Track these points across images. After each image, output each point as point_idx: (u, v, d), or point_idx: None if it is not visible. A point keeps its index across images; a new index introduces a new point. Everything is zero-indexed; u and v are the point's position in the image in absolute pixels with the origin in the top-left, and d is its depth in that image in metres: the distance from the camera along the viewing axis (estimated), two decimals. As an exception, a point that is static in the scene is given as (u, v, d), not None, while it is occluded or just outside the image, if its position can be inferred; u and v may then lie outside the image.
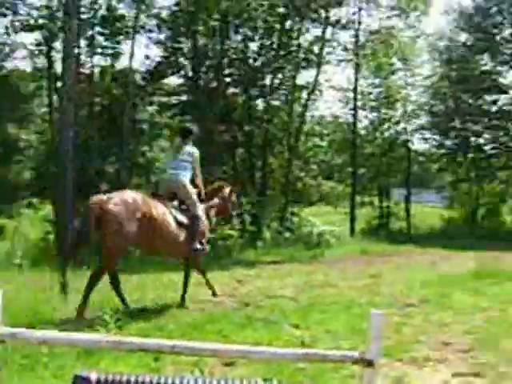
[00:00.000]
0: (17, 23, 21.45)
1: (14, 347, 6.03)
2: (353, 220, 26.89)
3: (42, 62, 22.35)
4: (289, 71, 23.42)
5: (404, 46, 28.21)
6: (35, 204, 26.80)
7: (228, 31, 22.51)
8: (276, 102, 24.23)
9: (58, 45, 21.22)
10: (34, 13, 21.45)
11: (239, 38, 23.13)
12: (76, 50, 20.01)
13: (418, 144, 33.92)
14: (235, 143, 23.22)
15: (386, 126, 30.40)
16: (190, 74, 23.14)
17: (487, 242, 22.54)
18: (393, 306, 9.86)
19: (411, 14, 27.38)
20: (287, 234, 21.05)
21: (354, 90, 27.88)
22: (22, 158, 27.06)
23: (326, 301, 10.36)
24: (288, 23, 23.10)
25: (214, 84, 22.51)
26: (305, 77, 27.75)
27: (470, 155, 31.74)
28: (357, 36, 25.64)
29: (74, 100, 18.07)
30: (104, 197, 9.13)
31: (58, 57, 20.90)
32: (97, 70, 23.14)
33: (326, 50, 24.22)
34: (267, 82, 23.47)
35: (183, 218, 9.80)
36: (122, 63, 23.00)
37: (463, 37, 31.96)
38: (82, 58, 21.95)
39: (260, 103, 23.97)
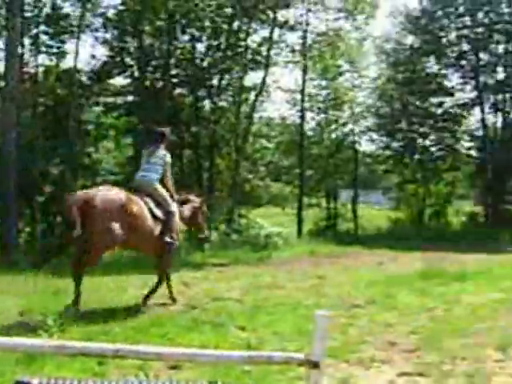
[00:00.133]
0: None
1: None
2: (300, 221, 26.94)
3: (-17, 61, 21.88)
4: (236, 72, 23.36)
5: (351, 48, 28.38)
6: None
7: (175, 31, 22.39)
8: (223, 103, 24.14)
9: (0, 43, 20.81)
10: (-24, 10, 21.00)
11: (186, 38, 23.03)
12: (19, 49, 19.62)
13: (365, 145, 34.19)
14: (182, 144, 23.05)
15: (333, 127, 30.60)
16: (137, 74, 22.92)
17: (434, 242, 22.80)
18: (339, 307, 9.84)
19: (358, 16, 27.50)
20: (235, 236, 20.93)
21: (302, 92, 27.95)
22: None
23: (273, 303, 10.32)
24: (236, 24, 23.06)
25: (161, 84, 22.35)
26: (252, 78, 27.82)
27: (417, 157, 32.14)
28: (304, 38, 25.70)
29: (17, 100, 17.75)
30: (88, 194, 9.20)
31: (0, 56, 20.50)
32: (41, 70, 22.69)
33: (274, 51, 24.27)
34: (215, 82, 23.40)
35: (159, 213, 9.90)
36: (67, 63, 22.59)
37: (410, 39, 32.33)
38: (26, 57, 21.52)
39: (207, 104, 23.86)
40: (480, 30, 30.76)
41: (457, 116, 32.01)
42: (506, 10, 30.58)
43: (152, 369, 6.29)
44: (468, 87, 31.90)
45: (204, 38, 23.10)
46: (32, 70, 22.13)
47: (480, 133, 31.55)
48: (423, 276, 13.17)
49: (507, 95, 30.71)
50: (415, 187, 31.58)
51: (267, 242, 20.40)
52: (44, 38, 22.06)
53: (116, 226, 9.12)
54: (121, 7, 22.62)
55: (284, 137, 30.05)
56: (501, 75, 31.08)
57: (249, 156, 24.40)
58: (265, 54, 23.69)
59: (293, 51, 25.18)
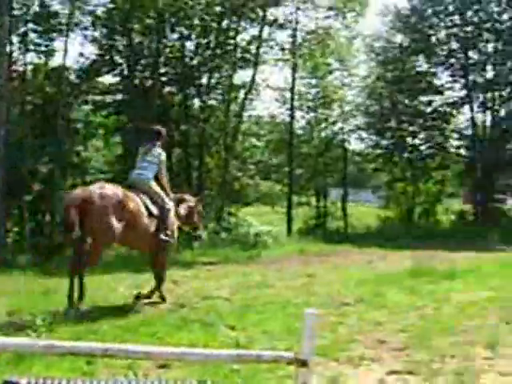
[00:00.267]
0: None
1: None
2: (290, 220, 26.94)
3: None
4: (226, 70, 23.31)
5: (341, 47, 28.37)
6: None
7: (164, 29, 22.31)
8: (213, 102, 24.10)
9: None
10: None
11: (176, 36, 22.96)
12: (8, 48, 19.54)
13: (354, 144, 34.30)
14: (171, 143, 22.95)
15: (322, 126, 30.62)
16: (126, 72, 22.84)
17: (423, 241, 22.83)
18: (329, 306, 9.84)
19: (348, 14, 27.49)
20: (224, 235, 20.88)
21: (291, 90, 27.94)
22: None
23: (262, 301, 10.29)
24: (225, 22, 23.01)
25: (150, 83, 22.28)
26: (242, 76, 27.77)
27: (406, 155, 32.21)
28: (294, 36, 25.66)
29: (5, 98, 17.68)
30: (85, 191, 9.28)
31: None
32: (29, 68, 22.60)
33: (263, 49, 24.20)
34: (204, 81, 23.35)
35: (154, 210, 9.99)
36: (56, 61, 22.50)
37: (399, 38, 32.42)
38: (15, 55, 21.43)
39: (197, 102, 23.81)
40: (469, 28, 30.88)
41: (446, 114, 32.10)
42: (495, 9, 30.71)
43: (141, 368, 6.26)
44: (457, 86, 32.03)
45: (193, 36, 23.05)
46: (20, 68, 22.04)
47: (469, 131, 31.67)
48: (412, 274, 13.17)
49: (496, 94, 30.85)
50: (404, 186, 31.65)
51: (257, 240, 20.38)
52: (32, 36, 21.96)
53: (114, 222, 9.19)
54: (110, 5, 22.52)
55: (273, 135, 30.04)
56: (490, 74, 31.23)
57: (238, 154, 24.38)
58: (254, 52, 23.64)
59: (282, 49, 25.13)
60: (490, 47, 31.29)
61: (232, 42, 23.17)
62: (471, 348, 7.54)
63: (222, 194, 22.99)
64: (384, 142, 32.79)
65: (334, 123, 30.77)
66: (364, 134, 32.58)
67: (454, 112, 32.45)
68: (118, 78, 23.55)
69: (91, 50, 24.08)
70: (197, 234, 12.36)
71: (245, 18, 23.26)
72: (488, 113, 31.03)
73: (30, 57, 22.36)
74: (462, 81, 31.53)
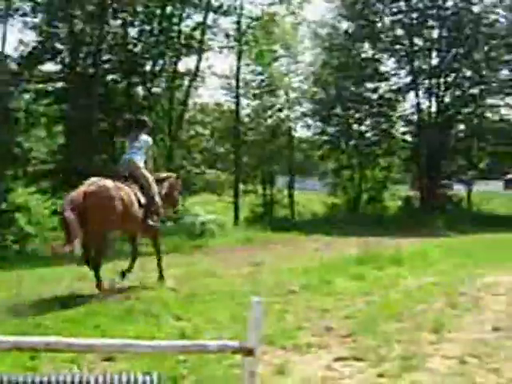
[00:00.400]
0: None
1: None
2: (237, 209, 26.85)
3: None
4: (170, 57, 23.02)
5: (286, 33, 28.31)
6: None
7: (106, 16, 21.89)
8: (157, 90, 23.80)
9: None
10: None
11: (118, 23, 22.55)
12: None
13: (300, 131, 34.35)
14: (115, 131, 22.65)
15: (268, 113, 30.55)
16: (68, 60, 22.37)
17: (370, 227, 23.03)
18: (276, 294, 9.81)
19: (293, 0, 27.46)
20: (170, 224, 20.69)
21: (237, 77, 27.78)
22: None
23: (209, 291, 10.19)
24: (169, 8, 22.73)
25: (93, 70, 21.85)
26: (186, 63, 27.61)
27: (352, 142, 32.41)
28: (239, 22, 25.49)
29: None
30: (82, 188, 9.93)
31: None
32: (-33, 56, 21.98)
33: (208, 36, 24.02)
34: (148, 68, 23.04)
35: (143, 199, 10.82)
36: (-5, 48, 21.90)
37: (345, 24, 32.59)
38: (-49, 42, 20.81)
39: (140, 90, 23.48)
40: (414, 15, 31.17)
41: (392, 101, 32.44)
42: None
43: (86, 361, 6.18)
44: (403, 72, 32.47)
45: (136, 22, 22.72)
46: (-43, 57, 21.42)
47: (415, 117, 32.00)
48: (359, 261, 13.23)
49: (441, 80, 31.25)
50: (351, 172, 31.85)
51: (203, 229, 20.25)
52: (-31, 23, 21.34)
53: (111, 214, 10.02)
54: (51, -9, 22.01)
55: (219, 123, 29.92)
56: (435, 60, 31.66)
57: (183, 143, 24.14)
58: (198, 39, 23.41)
59: (227, 36, 24.96)
60: (435, 34, 31.69)
61: (176, 28, 22.93)
62: (417, 333, 7.60)
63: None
64: (330, 129, 32.98)
65: (279, 110, 30.78)
66: (310, 121, 32.80)
67: (400, 98, 32.79)
68: (59, 66, 23.08)
69: (31, 37, 23.62)
70: (175, 211, 13.65)
71: (189, 5, 23.02)
72: (433, 99, 31.40)
73: (-32, 44, 21.71)
74: (408, 67, 31.90)
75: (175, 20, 22.92)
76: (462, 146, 32.72)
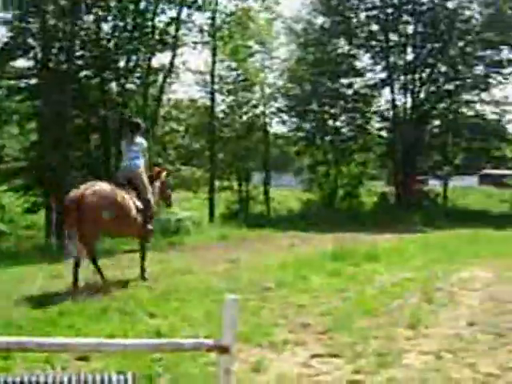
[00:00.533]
0: None
1: None
2: (212, 205, 26.75)
3: None
4: (144, 53, 22.81)
5: (261, 29, 28.23)
6: None
7: (79, 11, 21.65)
8: (131, 86, 23.55)
9: None
10: None
11: (91, 18, 22.30)
12: None
13: (276, 127, 34.32)
14: (89, 128, 22.45)
15: (243, 109, 30.46)
16: (40, 56, 22.05)
17: (346, 223, 23.09)
18: (251, 291, 9.84)
19: (268, -5, 27.35)
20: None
21: (211, 73, 27.63)
22: None
23: (184, 288, 10.17)
24: (142, 4, 22.47)
25: (66, 66, 21.59)
26: (161, 59, 27.43)
27: (328, 138, 32.43)
28: (213, 18, 25.31)
29: None
30: (79, 190, 10.36)
31: None
32: None
33: (182, 31, 23.80)
34: (121, 64, 22.81)
35: (140, 204, 11.20)
36: (-36, 44, 21.59)
37: (320, 20, 32.56)
38: None
39: (114, 86, 23.24)
40: (389, 10, 31.27)
41: (367, 96, 32.52)
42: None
43: (60, 361, 6.13)
44: (378, 68, 32.52)
45: (110, 18, 22.45)
46: None
47: (390, 113, 32.10)
48: (335, 257, 13.26)
49: (416, 75, 31.38)
50: (327, 168, 31.86)
51: (178, 226, 20.11)
52: None
53: (103, 214, 10.37)
54: (22, -15, 21.72)
55: (194, 119, 29.80)
56: (410, 56, 31.74)
57: (158, 139, 23.96)
58: (173, 34, 23.22)
59: (201, 31, 24.76)
60: (410, 29, 31.79)
61: (150, 24, 22.67)
62: (394, 329, 7.66)
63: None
64: (306, 125, 32.98)
65: (255, 106, 30.70)
66: (285, 117, 32.71)
67: (375, 94, 32.90)
68: (31, 62, 22.73)
69: (3, 33, 23.29)
70: (168, 204, 13.94)
71: (163, 0, 22.81)
72: (408, 94, 31.53)
73: None
74: (383, 63, 31.99)
75: (149, 15, 22.64)
76: (438, 142, 32.92)
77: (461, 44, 30.92)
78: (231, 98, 30.03)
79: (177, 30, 23.18)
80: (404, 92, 31.65)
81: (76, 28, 21.48)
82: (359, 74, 32.38)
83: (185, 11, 23.50)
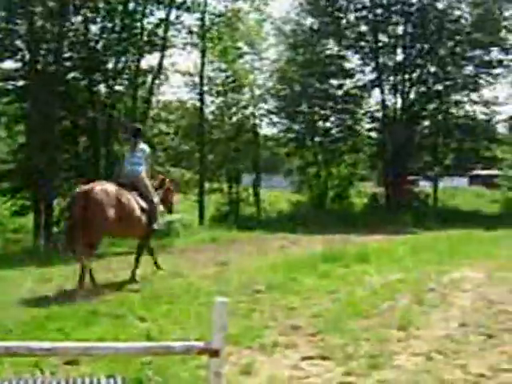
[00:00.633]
0: None
1: None
2: (202, 207, 26.66)
3: None
4: (132, 55, 22.73)
5: (250, 30, 28.19)
6: None
7: (68, 12, 21.54)
8: (120, 87, 23.48)
9: None
10: None
11: (79, 19, 22.20)
12: None
13: (266, 129, 34.28)
14: (77, 130, 22.34)
15: (233, 110, 30.40)
16: (28, 57, 21.93)
17: (336, 224, 23.08)
18: (242, 293, 9.83)
19: (257, -4, 27.32)
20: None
21: (201, 75, 27.56)
22: None
23: (174, 291, 10.15)
24: (131, 5, 22.40)
25: (54, 68, 21.48)
26: (149, 60, 27.33)
27: (318, 139, 32.39)
28: (202, 19, 25.26)
29: None
30: (86, 188, 10.66)
31: None
32: None
33: (171, 32, 23.75)
34: (110, 66, 22.73)
35: (144, 204, 11.53)
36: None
37: (309, 21, 32.56)
38: None
39: (103, 88, 23.15)
40: (379, 11, 31.27)
41: (357, 97, 32.49)
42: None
43: (49, 365, 6.10)
44: (368, 68, 32.47)
45: (98, 19, 22.36)
46: None
47: (380, 114, 32.09)
48: (325, 258, 13.23)
49: (406, 76, 31.39)
50: (317, 170, 31.84)
51: (168, 229, 20.03)
52: None
53: (110, 213, 10.60)
54: (9, -14, 21.60)
55: (183, 121, 29.73)
56: (400, 56, 31.74)
57: (147, 141, 23.86)
58: (161, 35, 23.17)
59: (190, 33, 24.69)
60: (400, 30, 31.80)
61: (138, 25, 22.61)
62: (384, 330, 7.66)
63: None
64: (295, 126, 32.95)
65: (244, 108, 30.62)
66: (275, 119, 32.66)
67: (365, 95, 32.89)
68: (19, 64, 22.60)
69: (-11, 35, 23.06)
70: (170, 210, 14.11)
71: (151, 1, 22.75)
72: (398, 95, 31.55)
73: None
74: (372, 64, 31.97)
75: (138, 17, 22.59)
76: (428, 143, 32.91)
77: (450, 44, 30.97)
78: (221, 99, 29.97)
79: (166, 31, 23.15)
80: (394, 93, 31.64)
81: (64, 29, 21.37)
82: (349, 74, 32.37)
83: (174, 12, 23.49)
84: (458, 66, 31.27)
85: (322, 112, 32.35)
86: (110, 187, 10.91)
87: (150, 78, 23.67)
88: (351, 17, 32.10)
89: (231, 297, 8.37)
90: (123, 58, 22.69)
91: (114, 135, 22.49)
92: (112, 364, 5.97)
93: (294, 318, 8.28)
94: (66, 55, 22.12)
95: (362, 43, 32.12)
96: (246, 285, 10.58)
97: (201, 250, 17.13)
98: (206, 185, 28.18)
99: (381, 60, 31.62)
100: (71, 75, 22.59)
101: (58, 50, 21.18)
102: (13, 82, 22.42)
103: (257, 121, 31.30)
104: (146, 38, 22.76)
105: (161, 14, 23.40)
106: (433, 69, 31.73)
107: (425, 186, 34.43)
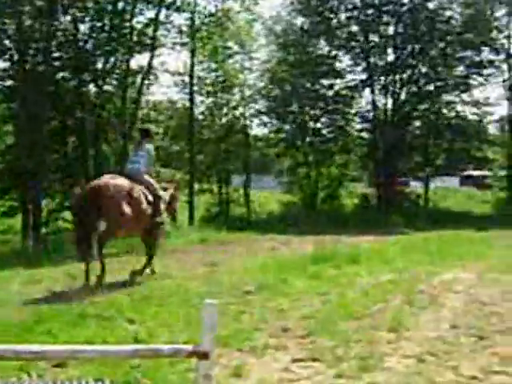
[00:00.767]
0: None
1: None
2: (192, 208, 26.60)
3: None
4: (122, 55, 22.63)
5: (240, 30, 28.15)
6: None
7: (56, 12, 21.44)
8: (109, 87, 23.38)
9: None
10: None
11: (68, 19, 22.09)
12: None
13: (256, 129, 34.24)
14: (66, 130, 22.23)
15: (223, 111, 30.36)
16: (16, 57, 21.82)
17: (327, 225, 23.07)
18: (231, 295, 9.75)
19: (248, -4, 27.25)
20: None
21: (191, 75, 27.50)
22: None
23: (163, 293, 10.05)
24: (120, 4, 22.31)
25: (42, 68, 21.38)
26: (139, 60, 27.31)
27: (308, 139, 32.36)
28: (192, 19, 25.20)
29: None
30: (98, 182, 10.85)
31: None
32: None
33: (160, 32, 23.68)
34: (99, 66, 22.64)
35: (150, 197, 11.73)
36: None
37: (300, 20, 32.57)
38: None
39: (92, 88, 23.05)
40: (370, 11, 31.30)
41: (348, 98, 32.49)
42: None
43: (36, 368, 6.00)
44: (358, 69, 32.54)
45: (87, 19, 22.27)
46: None
47: (371, 114, 32.11)
48: (315, 260, 13.16)
49: (397, 77, 31.42)
50: (307, 170, 31.80)
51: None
52: None
53: (125, 208, 10.87)
54: (-3, -14, 21.49)
55: (173, 121, 29.68)
56: (390, 57, 31.79)
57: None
58: (151, 35, 23.10)
59: (180, 32, 24.62)
60: (391, 30, 31.85)
61: (128, 24, 22.53)
62: (375, 332, 7.61)
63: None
64: (286, 127, 32.92)
65: (235, 108, 30.60)
66: (266, 119, 32.64)
67: (356, 95, 32.90)
68: (7, 63, 22.49)
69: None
70: (173, 218, 14.26)
71: (141, 0, 22.67)
72: (389, 96, 31.56)
73: None
74: (363, 64, 32.00)
75: (127, 16, 22.51)
76: (419, 143, 32.94)
77: (441, 45, 31.02)
78: (211, 99, 29.94)
79: (155, 30, 23.10)
80: (385, 93, 31.68)
81: (53, 29, 21.31)
82: (339, 75, 32.39)
83: (163, 12, 23.46)
84: (449, 67, 31.34)
85: (313, 112, 32.33)
86: (123, 180, 11.17)
87: (139, 78, 23.62)
88: (342, 17, 32.15)
89: (221, 298, 8.31)
90: (112, 58, 22.63)
91: (102, 136, 22.39)
92: (100, 367, 5.90)
93: (285, 320, 8.21)
94: (55, 55, 22.06)
95: (353, 43, 32.15)
96: (236, 286, 10.50)
97: (190, 250, 17.10)
98: (196, 185, 28.14)
99: (372, 60, 31.67)
100: (60, 75, 22.52)
101: (46, 49, 21.12)
102: (1, 82, 22.35)
103: (247, 121, 31.36)
104: (135, 38, 22.71)
105: (150, 13, 23.38)
106: (424, 69, 31.80)
107: (416, 186, 34.45)
